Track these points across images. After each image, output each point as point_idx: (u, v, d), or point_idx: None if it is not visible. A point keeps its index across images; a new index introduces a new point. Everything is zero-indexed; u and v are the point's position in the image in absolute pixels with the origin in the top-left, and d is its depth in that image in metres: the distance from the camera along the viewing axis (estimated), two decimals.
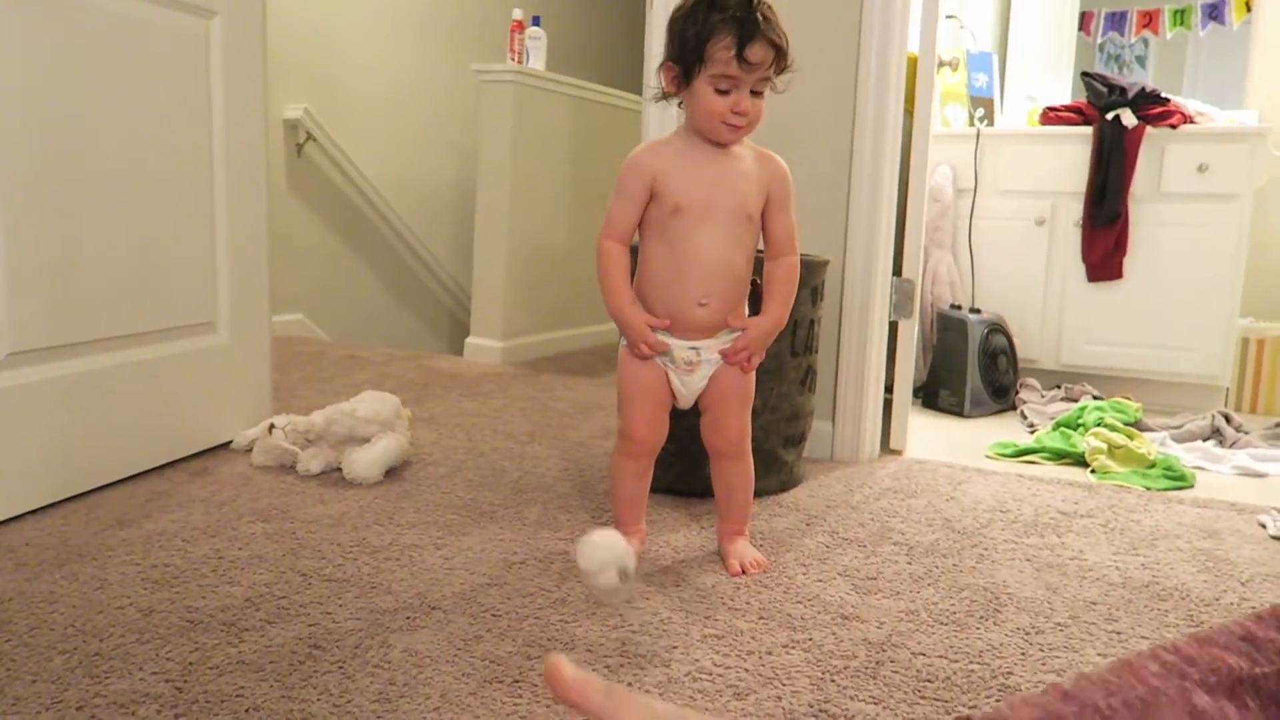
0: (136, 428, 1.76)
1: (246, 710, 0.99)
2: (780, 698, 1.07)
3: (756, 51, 1.29)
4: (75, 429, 1.63)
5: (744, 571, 1.43)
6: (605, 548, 1.10)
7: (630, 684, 1.09)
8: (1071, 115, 3.04)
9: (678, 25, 1.34)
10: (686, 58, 1.33)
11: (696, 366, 1.42)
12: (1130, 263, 2.93)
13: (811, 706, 1.06)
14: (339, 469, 1.83)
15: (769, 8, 1.33)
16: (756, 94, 1.34)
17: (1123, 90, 2.92)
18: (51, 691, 1.02)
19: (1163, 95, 2.93)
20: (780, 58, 1.32)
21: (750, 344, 1.42)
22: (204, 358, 1.91)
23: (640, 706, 0.64)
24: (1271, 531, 1.71)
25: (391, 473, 1.85)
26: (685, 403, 1.47)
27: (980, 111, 3.26)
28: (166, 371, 1.82)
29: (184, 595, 1.27)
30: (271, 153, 2.97)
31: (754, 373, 1.47)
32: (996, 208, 3.07)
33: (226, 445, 1.99)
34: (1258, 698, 0.53)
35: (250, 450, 1.93)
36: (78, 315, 1.62)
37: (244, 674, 1.07)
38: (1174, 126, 2.86)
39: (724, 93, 1.32)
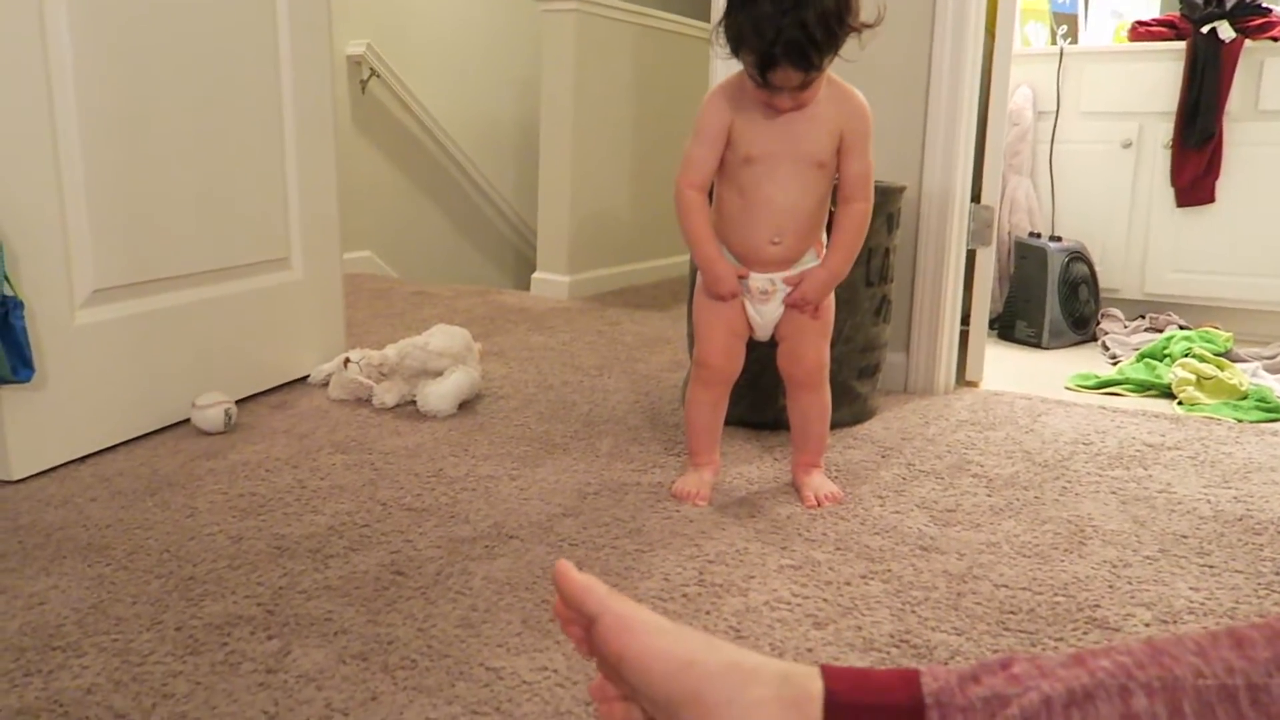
0: (217, 362, 1.80)
1: (335, 633, 1.02)
2: (860, 628, 1.07)
3: (779, 76, 1.23)
4: (160, 363, 1.67)
5: (819, 504, 1.42)
6: (217, 395, 1.65)
7: (709, 612, 1.09)
8: (1163, 30, 2.87)
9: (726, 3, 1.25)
10: (730, 42, 1.26)
11: (771, 296, 1.39)
12: (1222, 186, 2.79)
13: (892, 636, 1.05)
14: (413, 402, 1.85)
15: (817, 7, 1.18)
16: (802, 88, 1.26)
17: (1220, 1, 2.75)
18: (150, 613, 1.06)
19: (1264, 5, 2.74)
20: (816, 65, 1.22)
21: (807, 294, 1.38)
22: (279, 293, 1.94)
23: (637, 608, 0.66)
24: None
25: (464, 405, 1.87)
26: (763, 334, 1.44)
27: (1063, 29, 3.10)
28: (244, 307, 1.85)
29: (270, 523, 1.31)
30: (336, 90, 2.97)
31: (833, 304, 1.44)
32: (1079, 130, 2.94)
33: (303, 380, 2.03)
34: (1196, 705, 0.55)
35: (326, 384, 1.97)
36: (157, 253, 1.65)
37: (331, 599, 1.10)
38: (1276, 39, 2.68)
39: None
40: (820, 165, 1.34)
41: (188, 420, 1.70)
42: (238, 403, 1.82)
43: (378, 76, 3.65)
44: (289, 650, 0.99)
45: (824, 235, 1.43)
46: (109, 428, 1.59)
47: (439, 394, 1.81)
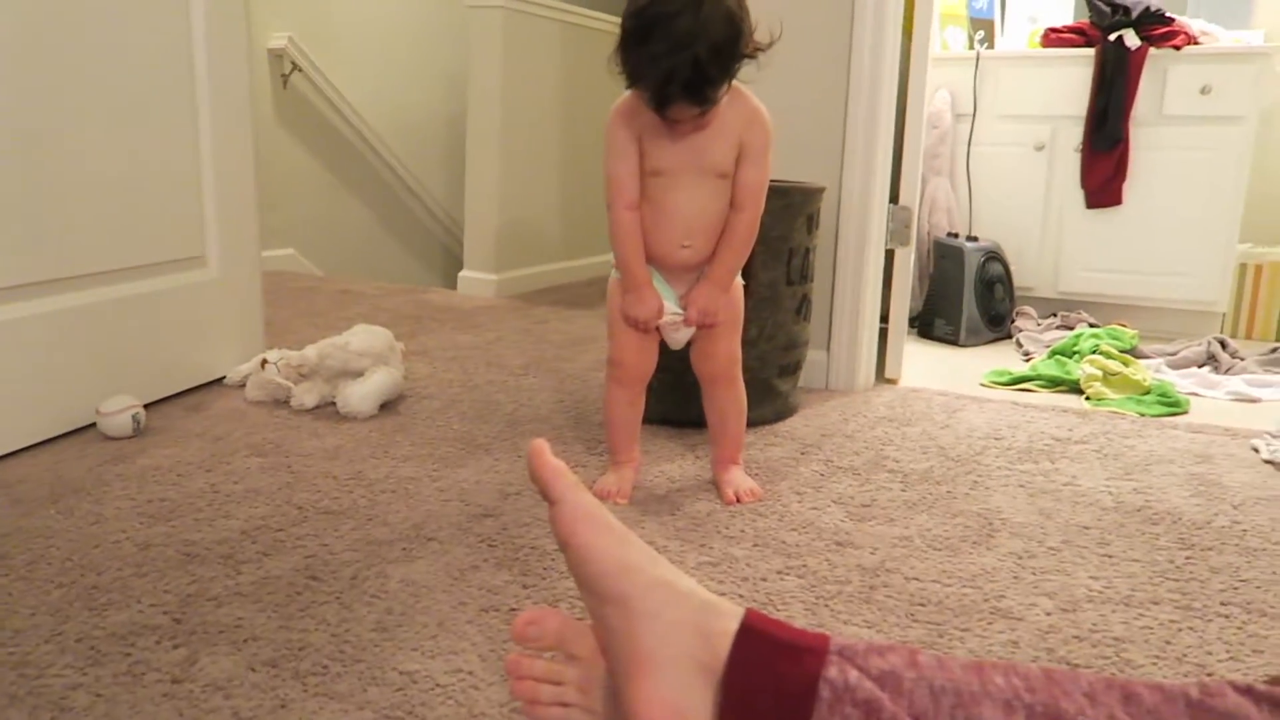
0: (127, 363, 1.74)
1: (245, 640, 1.00)
2: None
3: (675, 110, 1.26)
4: (64, 365, 1.62)
5: (739, 500, 1.44)
6: (125, 399, 1.61)
7: None
8: (1073, 36, 2.97)
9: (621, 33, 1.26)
10: (626, 76, 1.27)
11: (680, 326, 1.43)
12: (1129, 188, 2.90)
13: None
14: (333, 403, 1.83)
15: (708, 43, 1.19)
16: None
17: (1126, 10, 2.85)
18: (50, 624, 1.03)
19: (1167, 15, 2.86)
20: (711, 100, 1.24)
21: (703, 311, 1.39)
22: (194, 292, 1.89)
23: (597, 504, 0.73)
24: (1264, 455, 1.72)
25: (386, 406, 1.85)
26: (675, 346, 1.48)
27: (980, 34, 3.18)
28: (156, 306, 1.80)
29: (180, 529, 1.28)
30: (257, 84, 2.90)
31: (741, 297, 1.46)
32: (996, 133, 3.02)
33: (220, 381, 1.98)
34: None
35: (244, 385, 1.93)
36: (60, 250, 1.60)
37: (242, 605, 1.08)
38: (1178, 47, 2.80)
39: None
40: (723, 175, 1.36)
41: (94, 424, 1.64)
42: (150, 405, 1.77)
43: (300, 70, 3.58)
44: (196, 659, 0.96)
45: None
46: (9, 432, 1.53)
47: (360, 395, 1.78)
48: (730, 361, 1.47)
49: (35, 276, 1.55)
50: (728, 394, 1.48)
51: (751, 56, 1.27)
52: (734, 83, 1.31)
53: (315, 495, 1.41)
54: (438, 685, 0.93)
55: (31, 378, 1.56)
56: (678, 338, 1.46)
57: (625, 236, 1.38)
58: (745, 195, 1.37)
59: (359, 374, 1.83)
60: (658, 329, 1.44)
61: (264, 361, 1.87)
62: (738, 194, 1.37)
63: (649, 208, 1.38)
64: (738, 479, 1.47)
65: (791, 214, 1.78)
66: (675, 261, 1.39)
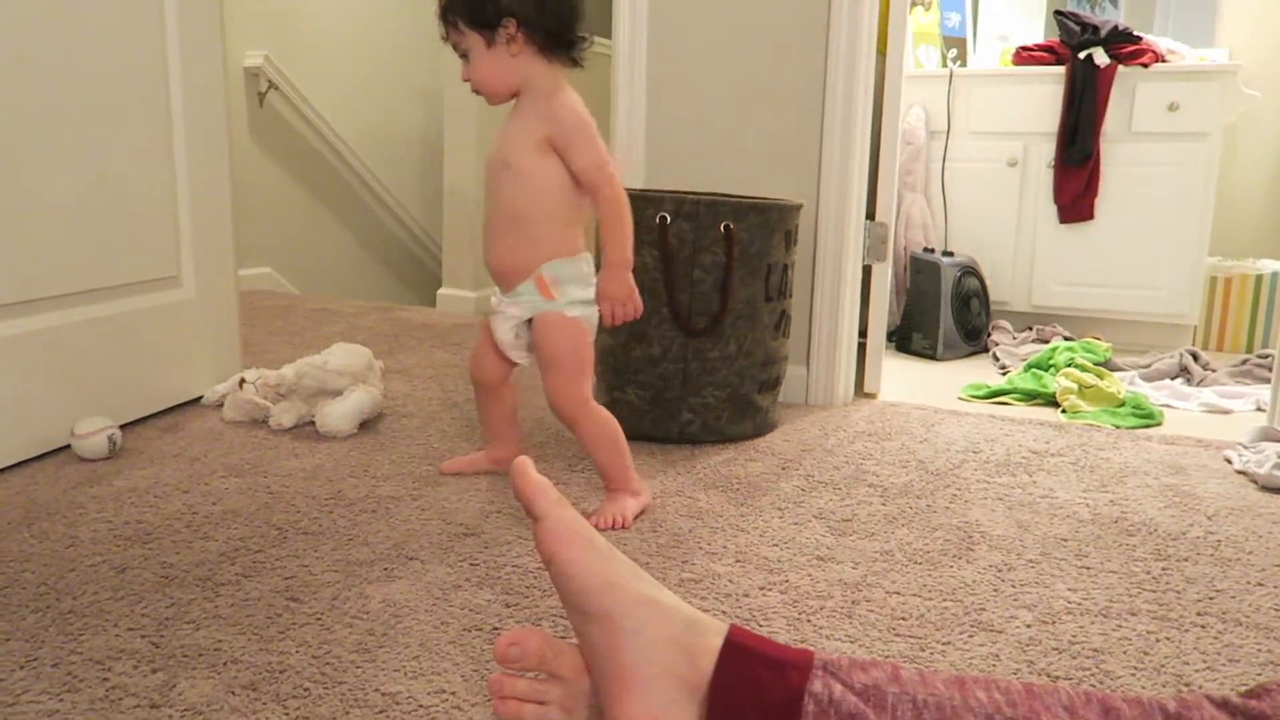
0: (102, 385, 1.73)
1: (224, 663, 0.99)
2: None
3: (441, 29, 1.37)
4: (38, 387, 1.60)
5: (599, 524, 1.38)
6: (100, 420, 1.58)
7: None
8: (1044, 55, 3.02)
9: None
10: None
11: (495, 315, 1.45)
12: (1100, 203, 2.94)
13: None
14: (311, 423, 1.81)
15: None
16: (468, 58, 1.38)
17: (1095, 29, 2.91)
18: (25, 649, 1.01)
19: (1134, 34, 2.91)
20: (458, 25, 1.34)
21: (611, 299, 1.40)
22: (169, 312, 1.88)
23: (580, 520, 0.71)
24: (1237, 466, 1.75)
25: (365, 425, 1.84)
26: (511, 355, 1.47)
27: (953, 52, 3.23)
28: (131, 327, 1.78)
29: (158, 551, 1.26)
30: (233, 102, 2.89)
31: (575, 334, 1.41)
32: (969, 149, 3.06)
33: (196, 401, 1.97)
34: None
35: (221, 406, 1.91)
36: (32, 271, 1.58)
37: (221, 628, 1.07)
38: (1145, 65, 2.85)
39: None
40: (519, 168, 1.38)
41: (68, 446, 1.63)
42: (126, 426, 1.75)
43: (276, 89, 3.57)
44: (174, 683, 0.95)
45: (563, 248, 1.42)
46: None
47: (338, 414, 1.77)
48: (559, 401, 1.42)
49: (6, 298, 1.53)
50: (578, 431, 1.44)
51: (493, 26, 1.34)
52: (537, 83, 1.37)
53: (294, 516, 1.40)
54: (420, 706, 0.93)
55: (4, 400, 1.54)
56: (498, 331, 1.46)
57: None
58: (588, 178, 1.38)
59: (337, 393, 1.82)
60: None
61: (241, 381, 1.86)
62: (582, 182, 1.38)
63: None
64: (609, 506, 1.42)
65: (769, 230, 1.80)
66: (491, 267, 1.45)
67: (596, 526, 1.37)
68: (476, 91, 1.41)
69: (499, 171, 1.40)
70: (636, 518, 1.42)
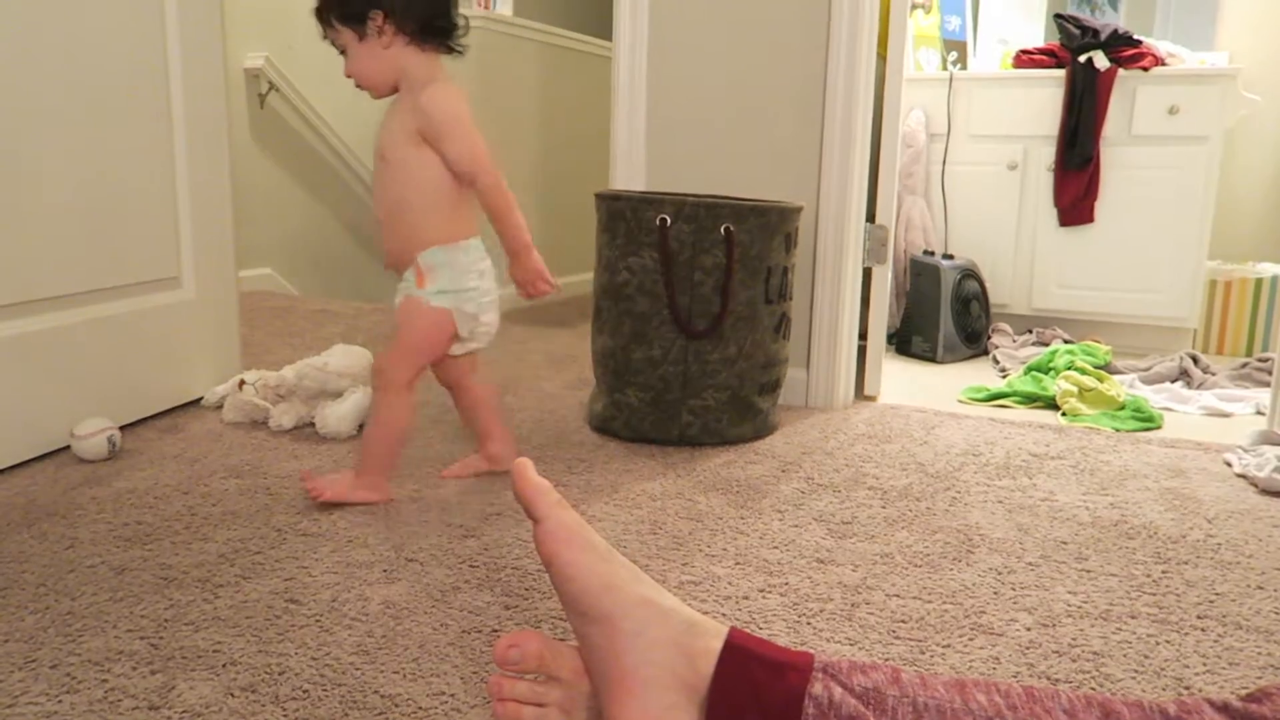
0: (102, 386, 1.73)
1: (224, 665, 0.99)
2: None
3: (319, 28, 1.41)
4: (38, 387, 1.60)
5: (310, 491, 1.40)
6: (99, 421, 1.58)
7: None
8: (1044, 58, 3.02)
9: None
10: None
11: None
12: (1100, 206, 2.94)
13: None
14: (311, 424, 1.81)
15: None
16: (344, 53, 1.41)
17: (1095, 32, 2.91)
18: (24, 650, 1.01)
19: (1134, 37, 2.92)
20: (332, 22, 1.38)
21: (522, 288, 1.45)
22: (169, 313, 1.88)
23: (580, 522, 0.71)
24: (1237, 469, 1.75)
25: (365, 427, 1.83)
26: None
27: (953, 55, 3.23)
28: (130, 328, 1.78)
29: (157, 552, 1.26)
30: (233, 103, 2.89)
31: (420, 311, 1.43)
32: (969, 152, 3.06)
33: (196, 402, 1.97)
34: None
35: (221, 407, 1.91)
36: (31, 272, 1.58)
37: (220, 629, 1.07)
38: (1145, 69, 2.85)
39: None
40: (386, 159, 1.41)
41: (67, 447, 1.62)
42: (125, 427, 1.75)
43: (277, 90, 3.57)
44: (173, 685, 0.95)
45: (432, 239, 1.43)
46: None
47: (338, 415, 1.77)
48: (380, 371, 1.45)
49: (6, 299, 1.53)
50: (374, 406, 1.47)
51: (362, 19, 1.36)
52: (414, 77, 1.39)
53: (294, 517, 1.39)
54: (420, 709, 0.92)
55: (4, 401, 1.54)
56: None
57: None
58: (463, 169, 1.39)
59: (337, 394, 1.82)
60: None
61: (241, 382, 1.86)
62: (458, 174, 1.40)
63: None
64: (341, 478, 1.44)
65: (769, 233, 1.80)
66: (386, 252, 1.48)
67: (303, 482, 1.42)
68: (360, 87, 1.42)
69: (377, 164, 1.43)
70: (351, 504, 1.43)
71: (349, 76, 1.41)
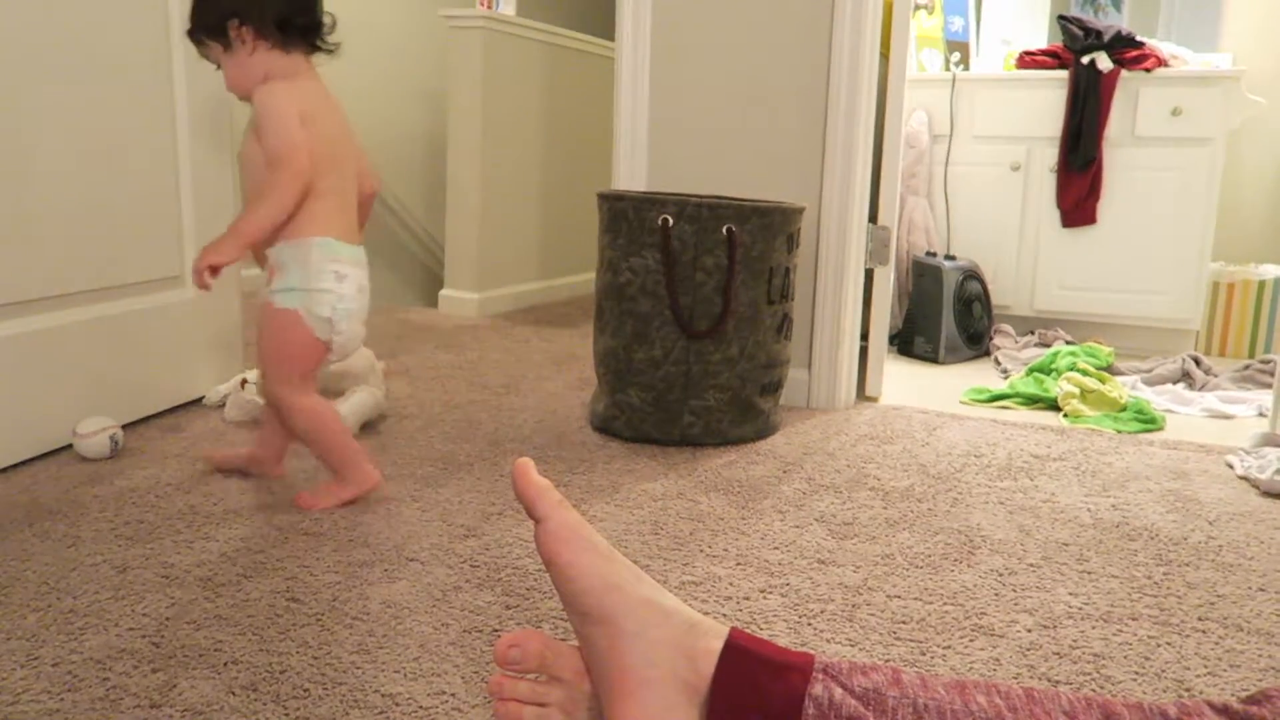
0: (104, 385, 1.73)
1: (225, 664, 0.99)
2: None
3: (196, 48, 1.40)
4: (41, 386, 1.60)
5: (305, 508, 1.42)
6: (102, 420, 1.58)
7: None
8: (1047, 59, 3.02)
9: None
10: None
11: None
12: (1103, 208, 2.94)
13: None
14: None
15: None
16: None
17: (1098, 33, 2.91)
18: (26, 649, 1.01)
19: (1138, 38, 2.91)
20: (201, 39, 1.37)
21: (209, 259, 1.35)
22: (171, 312, 1.88)
23: (582, 522, 0.71)
24: (1239, 471, 1.74)
25: (366, 426, 1.84)
26: None
27: (956, 56, 3.23)
28: (134, 327, 1.79)
29: (159, 551, 1.26)
30: (236, 101, 2.89)
31: (284, 326, 1.40)
32: (972, 153, 3.06)
33: (198, 401, 1.97)
34: None
35: (223, 406, 1.91)
36: (34, 271, 1.58)
37: (221, 628, 1.07)
38: (1149, 70, 2.85)
39: None
40: (240, 155, 1.42)
41: (70, 446, 1.63)
42: (128, 426, 1.75)
43: None
44: (174, 683, 0.95)
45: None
46: None
47: (340, 414, 1.77)
48: (267, 394, 1.44)
49: (9, 298, 1.54)
50: (289, 426, 1.46)
51: (223, 30, 1.35)
52: (283, 71, 1.38)
53: (295, 517, 1.40)
54: (420, 708, 0.93)
55: (6, 399, 1.54)
56: None
57: None
58: (268, 161, 1.37)
59: (339, 394, 1.82)
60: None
61: (243, 381, 1.86)
62: (267, 164, 1.38)
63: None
64: (321, 489, 1.44)
65: (771, 233, 1.80)
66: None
67: (296, 503, 1.42)
68: (241, 99, 1.42)
69: (240, 161, 1.44)
70: (345, 504, 1.43)
71: (229, 90, 1.41)
